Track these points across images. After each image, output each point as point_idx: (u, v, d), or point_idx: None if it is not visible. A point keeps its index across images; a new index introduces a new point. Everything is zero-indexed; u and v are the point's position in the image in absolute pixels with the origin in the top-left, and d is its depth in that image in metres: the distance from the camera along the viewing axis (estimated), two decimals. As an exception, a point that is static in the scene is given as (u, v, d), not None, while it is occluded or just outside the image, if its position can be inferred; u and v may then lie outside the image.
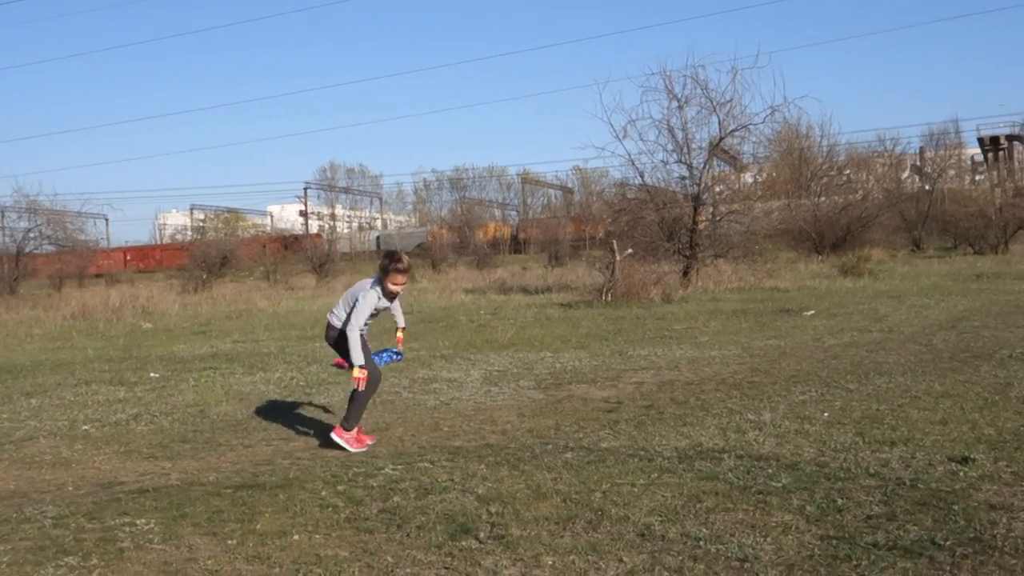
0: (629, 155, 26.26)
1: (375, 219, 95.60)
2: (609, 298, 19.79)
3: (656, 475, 5.50)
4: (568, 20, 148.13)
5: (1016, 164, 65.09)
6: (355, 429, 6.89)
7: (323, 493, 5.37)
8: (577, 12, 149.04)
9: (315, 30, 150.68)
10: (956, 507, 4.62)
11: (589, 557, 4.15)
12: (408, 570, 4.08)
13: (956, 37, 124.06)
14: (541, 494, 5.17)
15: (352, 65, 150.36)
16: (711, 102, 24.92)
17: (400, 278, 6.93)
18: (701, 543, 4.26)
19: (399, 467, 5.96)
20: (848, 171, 54.69)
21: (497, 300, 23.04)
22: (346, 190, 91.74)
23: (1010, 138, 66.93)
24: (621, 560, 4.10)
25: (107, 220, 72.35)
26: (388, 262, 6.92)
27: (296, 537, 4.57)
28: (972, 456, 5.55)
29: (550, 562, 4.12)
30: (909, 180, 62.98)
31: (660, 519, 4.62)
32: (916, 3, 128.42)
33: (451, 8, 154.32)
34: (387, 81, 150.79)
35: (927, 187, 55.87)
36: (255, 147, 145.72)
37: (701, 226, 25.26)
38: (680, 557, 4.10)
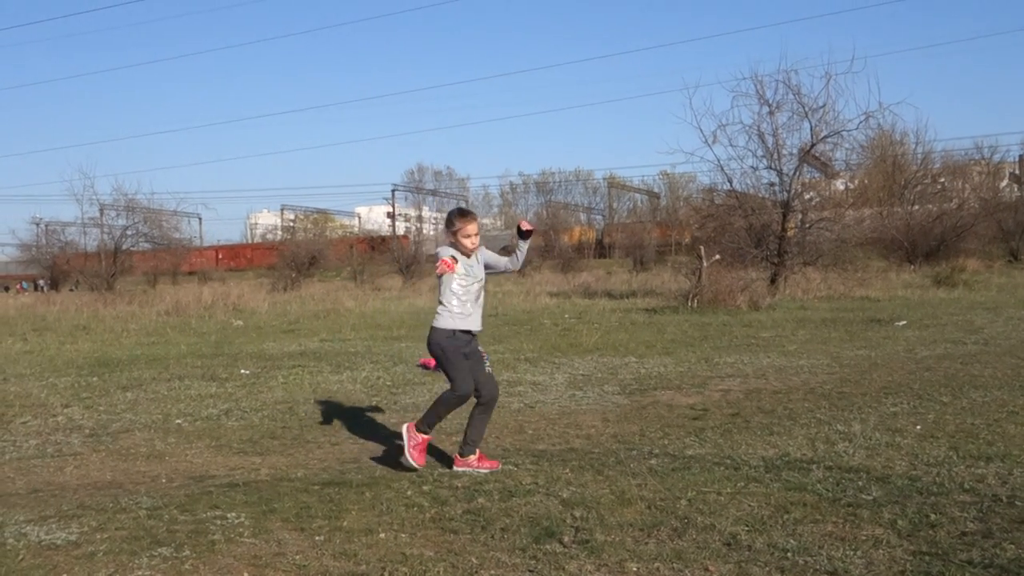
0: (718, 160, 26.07)
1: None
2: (695, 304, 19.62)
3: (742, 484, 5.43)
4: (659, 24, 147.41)
5: None
6: (422, 436, 6.08)
7: (409, 492, 5.42)
8: (667, 16, 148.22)
9: (405, 34, 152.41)
10: (1057, 526, 4.47)
11: (674, 565, 4.11)
12: (492, 572, 4.09)
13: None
14: (626, 500, 5.15)
15: (441, 68, 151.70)
16: (803, 107, 24.58)
17: (471, 227, 6.17)
18: (789, 554, 4.19)
19: (483, 469, 5.99)
20: (943, 179, 53.35)
21: (582, 304, 23.01)
22: (433, 192, 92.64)
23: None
24: (707, 569, 4.05)
25: (200, 219, 74.24)
26: (451, 219, 6.23)
27: (382, 535, 4.62)
28: (1073, 475, 5.37)
29: (635, 568, 4.09)
30: (1007, 189, 61.21)
31: (747, 529, 4.56)
32: (1017, 7, 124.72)
33: (540, 12, 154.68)
34: (476, 84, 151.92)
35: (1025, 196, 54.21)
36: (345, 149, 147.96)
37: (790, 233, 24.90)
38: (767, 568, 4.03)
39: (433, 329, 6.11)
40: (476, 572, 4.10)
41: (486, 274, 6.37)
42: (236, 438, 7.50)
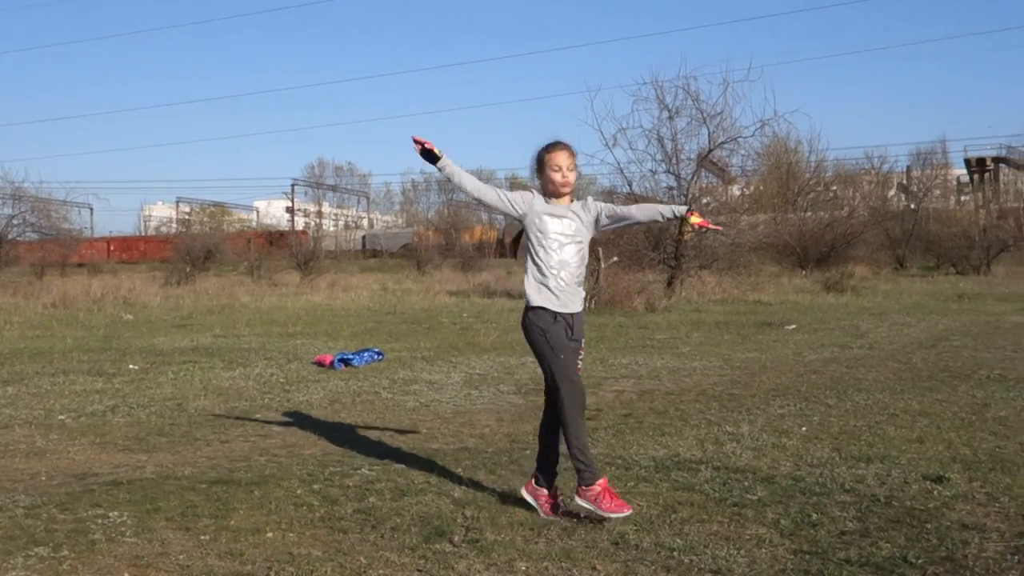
0: (618, 163, 26.31)
1: (362, 218, 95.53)
2: (592, 305, 19.78)
3: (632, 484, 5.51)
4: (561, 26, 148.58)
5: (1001, 186, 65.59)
6: (597, 480, 4.79)
7: (298, 491, 5.35)
8: (571, 18, 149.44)
9: (306, 26, 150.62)
10: (929, 526, 4.64)
11: (563, 564, 4.14)
12: (381, 571, 4.07)
13: (946, 57, 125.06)
14: (517, 499, 5.17)
15: (344, 63, 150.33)
16: (702, 114, 24.98)
17: (559, 157, 4.92)
18: (675, 554, 4.26)
19: (376, 468, 5.96)
20: (835, 187, 54.87)
21: (481, 303, 23.03)
22: (334, 188, 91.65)
23: (996, 160, 67.43)
24: (594, 568, 4.10)
25: (92, 210, 72.12)
26: (540, 153, 5.05)
27: (270, 535, 4.56)
28: (947, 475, 5.57)
29: (523, 568, 4.11)
30: (895, 198, 63.30)
31: (635, 528, 4.62)
32: (907, 22, 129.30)
33: (445, 10, 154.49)
34: (379, 80, 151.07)
35: (912, 206, 56.21)
36: (244, 142, 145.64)
37: (687, 237, 25.27)
38: (653, 567, 4.10)
39: (529, 309, 4.96)
40: (364, 572, 4.07)
41: (613, 228, 5.23)
42: (122, 435, 7.31)
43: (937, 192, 62.81)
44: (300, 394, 9.18)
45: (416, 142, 4.92)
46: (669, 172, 25.70)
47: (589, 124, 34.70)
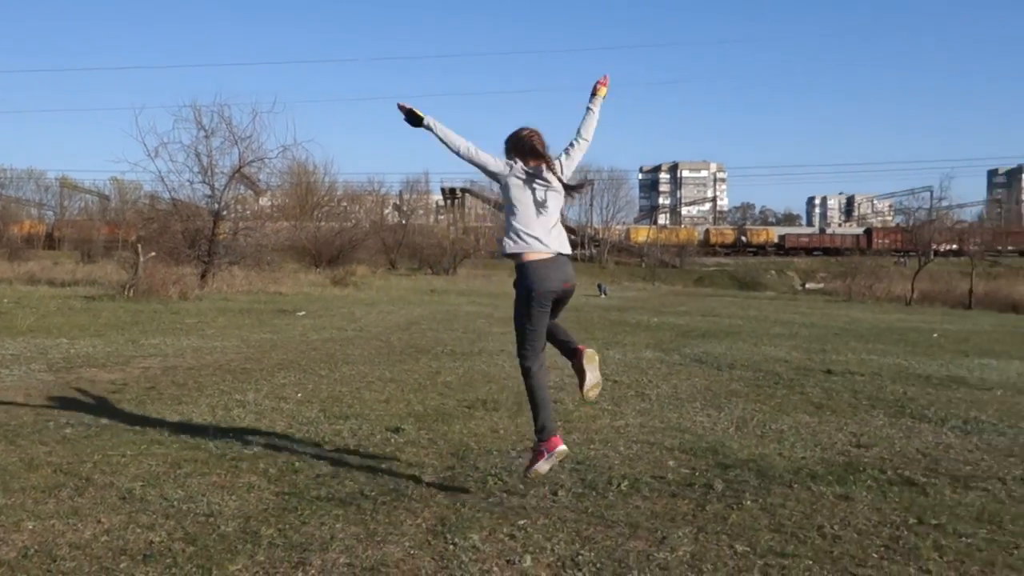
0: (159, 172, 24.97)
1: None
2: (131, 294, 18.37)
3: (145, 447, 5.19)
4: (114, 48, 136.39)
5: (467, 210, 71.47)
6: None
7: None
8: (123, 41, 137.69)
9: None
10: (384, 466, 4.90)
11: (70, 520, 3.79)
12: None
13: (434, 110, 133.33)
14: (33, 466, 4.64)
15: None
16: (233, 136, 24.36)
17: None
18: (175, 503, 4.09)
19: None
20: (344, 203, 56.41)
21: (24, 290, 20.37)
22: None
23: (464, 190, 73.51)
24: (99, 521, 3.80)
25: None
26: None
27: None
28: (403, 427, 5.92)
29: (31, 527, 3.70)
30: (390, 215, 66.61)
31: (142, 484, 4.36)
32: (396, 74, 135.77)
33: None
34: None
35: (403, 221, 59.57)
36: None
37: (221, 238, 24.43)
38: (154, 516, 3.89)
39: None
40: None
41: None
42: None
43: (421, 211, 67.26)
44: None
45: (401, 108, 4.20)
46: (205, 183, 24.65)
47: (135, 137, 32.45)
